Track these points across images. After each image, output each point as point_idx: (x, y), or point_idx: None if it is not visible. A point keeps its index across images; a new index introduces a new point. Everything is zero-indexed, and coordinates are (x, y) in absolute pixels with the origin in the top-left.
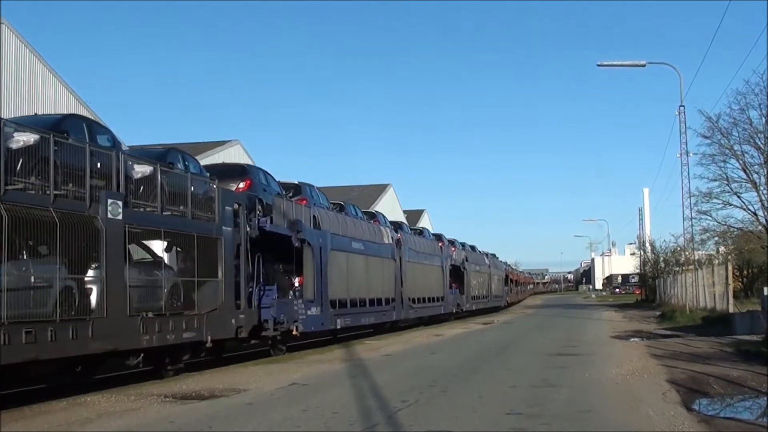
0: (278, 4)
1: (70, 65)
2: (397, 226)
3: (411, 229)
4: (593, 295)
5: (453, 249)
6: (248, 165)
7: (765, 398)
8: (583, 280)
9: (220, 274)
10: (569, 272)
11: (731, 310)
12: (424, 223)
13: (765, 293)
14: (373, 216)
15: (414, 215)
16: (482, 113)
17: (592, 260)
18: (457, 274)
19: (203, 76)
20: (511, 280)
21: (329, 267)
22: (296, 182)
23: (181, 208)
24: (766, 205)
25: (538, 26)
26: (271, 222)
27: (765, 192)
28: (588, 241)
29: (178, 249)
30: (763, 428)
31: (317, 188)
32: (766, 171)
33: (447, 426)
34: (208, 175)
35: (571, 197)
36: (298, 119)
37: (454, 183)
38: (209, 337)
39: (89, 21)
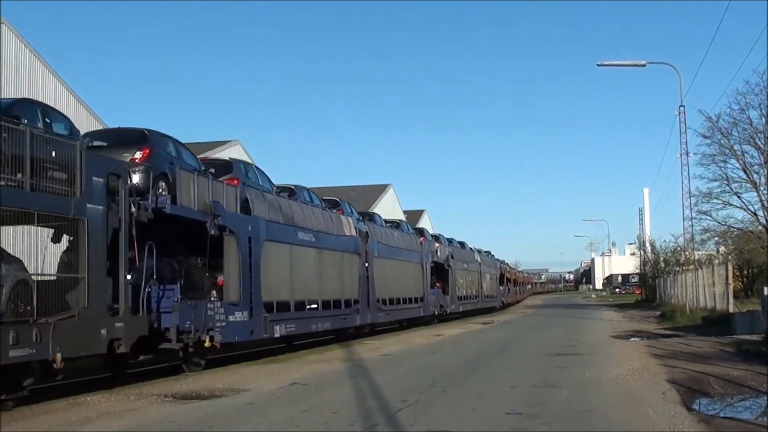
0: (278, 4)
1: (70, 65)
2: (367, 217)
3: (386, 222)
4: (593, 295)
5: (437, 245)
6: (152, 130)
7: (765, 398)
8: (583, 280)
9: (81, 268)
10: (569, 272)
11: (731, 310)
12: (424, 223)
13: (765, 293)
14: (337, 204)
15: (414, 215)
16: (482, 113)
17: (592, 260)
18: (441, 273)
19: (203, 75)
20: (508, 280)
21: (264, 262)
22: (227, 158)
23: (19, 176)
24: (766, 205)
25: (538, 26)
26: (174, 202)
27: (765, 192)
28: (588, 241)
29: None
30: (763, 428)
31: (260, 170)
32: (766, 171)
33: (447, 426)
34: (83, 138)
35: (571, 197)
36: (298, 119)
37: (454, 183)
38: (59, 355)
39: (89, 21)
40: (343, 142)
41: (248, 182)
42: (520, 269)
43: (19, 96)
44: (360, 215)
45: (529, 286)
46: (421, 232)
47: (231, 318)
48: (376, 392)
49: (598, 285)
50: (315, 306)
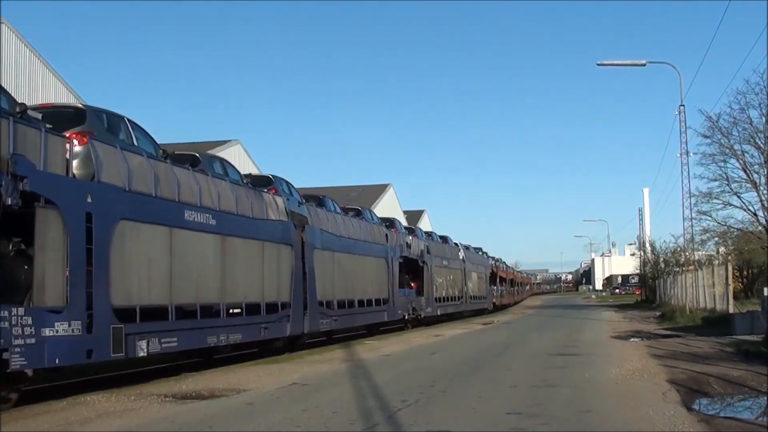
0: (278, 4)
1: (70, 65)
2: (315, 201)
3: (345, 209)
4: (593, 296)
5: (411, 237)
6: None
7: (765, 398)
8: (583, 281)
9: None
10: (569, 272)
11: (731, 310)
12: (424, 223)
13: (765, 293)
14: (269, 182)
15: (414, 215)
16: (482, 113)
17: (592, 260)
18: (416, 271)
19: (203, 75)
20: (502, 279)
21: (119, 249)
22: (79, 105)
23: None
24: (766, 205)
25: (539, 26)
26: None
27: (765, 192)
28: (588, 242)
29: None
30: (763, 428)
31: (141, 128)
32: (766, 171)
33: (447, 426)
34: None
35: (571, 197)
36: (298, 119)
37: (454, 183)
38: None
39: (89, 20)
40: (343, 142)
41: (107, 138)
42: (519, 269)
43: (19, 96)
44: (305, 198)
45: (528, 287)
46: (391, 223)
47: (47, 331)
48: (376, 392)
49: (598, 285)
50: (212, 312)
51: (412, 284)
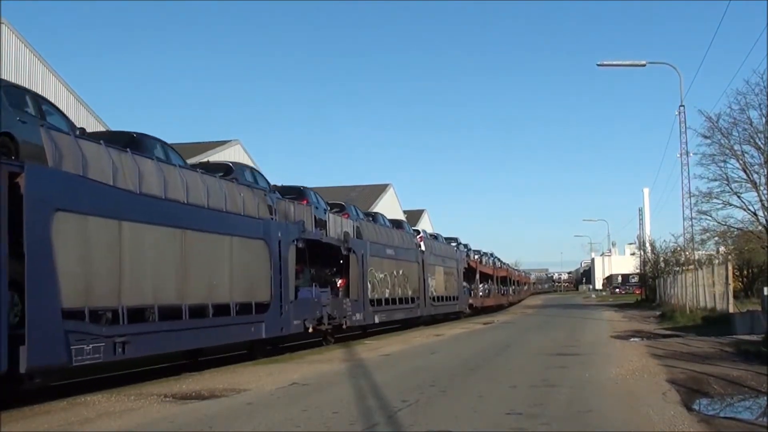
0: (278, 4)
1: (70, 65)
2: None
3: (203, 167)
4: (593, 295)
5: (329, 214)
6: None
7: (765, 398)
8: (583, 280)
9: None
10: (565, 272)
11: (731, 310)
12: (424, 223)
13: (765, 293)
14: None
15: (414, 215)
16: (482, 113)
17: (592, 260)
18: (338, 261)
19: (203, 75)
20: (485, 276)
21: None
22: None
23: None
24: (766, 205)
25: (539, 26)
26: None
27: (765, 192)
28: (588, 241)
29: None
30: (763, 428)
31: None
32: (766, 171)
33: (447, 426)
34: None
35: (571, 197)
36: (298, 119)
37: (454, 183)
38: None
39: (89, 21)
40: (343, 142)
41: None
42: (518, 268)
43: None
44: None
45: (527, 286)
46: (300, 193)
47: None
48: (376, 392)
49: (598, 285)
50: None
51: (339, 281)
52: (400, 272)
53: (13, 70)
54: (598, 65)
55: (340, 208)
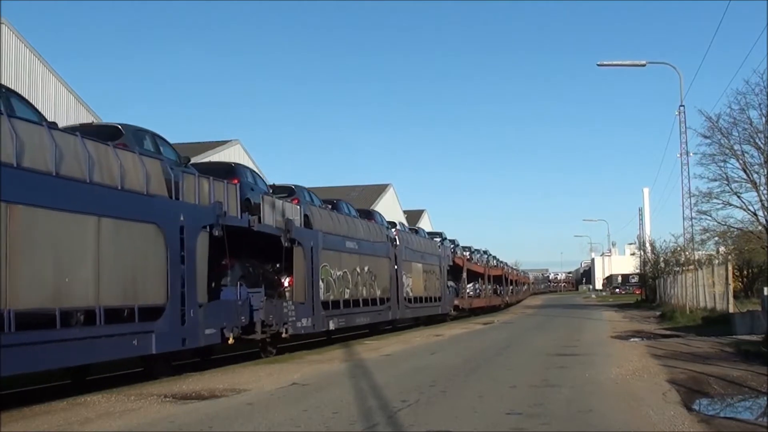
0: (278, 4)
1: (70, 65)
2: None
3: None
4: (593, 295)
5: (281, 202)
6: None
7: (765, 398)
8: (583, 280)
9: None
10: (562, 272)
11: (731, 310)
12: (424, 223)
13: (765, 293)
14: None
15: (414, 215)
16: (483, 113)
17: (592, 260)
18: (278, 254)
19: (203, 75)
20: (474, 275)
21: None
22: None
23: None
24: (766, 205)
25: (539, 26)
26: None
27: (765, 192)
28: (588, 242)
29: None
30: (763, 428)
31: None
32: (766, 171)
33: (447, 426)
34: None
35: (571, 197)
36: (298, 119)
37: (454, 183)
38: None
39: (89, 21)
40: (343, 142)
41: None
42: (518, 268)
43: None
44: None
45: (526, 287)
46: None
47: None
48: (376, 392)
49: (598, 285)
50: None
51: (287, 280)
52: (366, 269)
53: (13, 70)
54: (598, 65)
55: (288, 192)
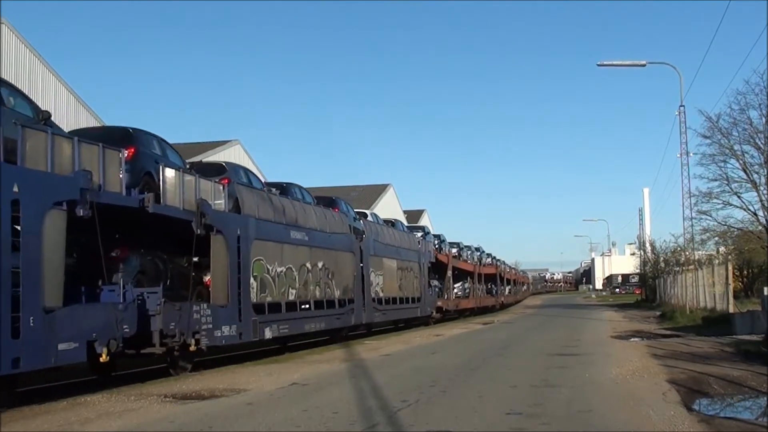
0: (278, 4)
1: (70, 65)
2: None
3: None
4: (593, 295)
5: (192, 179)
6: None
7: (765, 398)
8: (584, 280)
9: None
10: (568, 272)
11: (731, 310)
12: (424, 222)
13: (765, 293)
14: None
15: (414, 215)
16: (483, 113)
17: (592, 260)
18: (200, 247)
19: (203, 75)
20: (463, 273)
21: None
22: None
23: None
24: (766, 205)
25: (539, 26)
26: None
27: (765, 192)
28: (588, 241)
29: None
30: (763, 428)
31: None
32: (766, 171)
33: (447, 426)
34: None
35: (571, 197)
36: (298, 119)
37: (454, 183)
38: None
39: (89, 21)
40: (343, 142)
41: None
42: (520, 268)
43: None
44: None
45: (525, 286)
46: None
47: None
48: (376, 392)
49: (598, 285)
50: None
51: (206, 280)
52: (320, 265)
53: (13, 70)
54: (598, 65)
55: (217, 170)
